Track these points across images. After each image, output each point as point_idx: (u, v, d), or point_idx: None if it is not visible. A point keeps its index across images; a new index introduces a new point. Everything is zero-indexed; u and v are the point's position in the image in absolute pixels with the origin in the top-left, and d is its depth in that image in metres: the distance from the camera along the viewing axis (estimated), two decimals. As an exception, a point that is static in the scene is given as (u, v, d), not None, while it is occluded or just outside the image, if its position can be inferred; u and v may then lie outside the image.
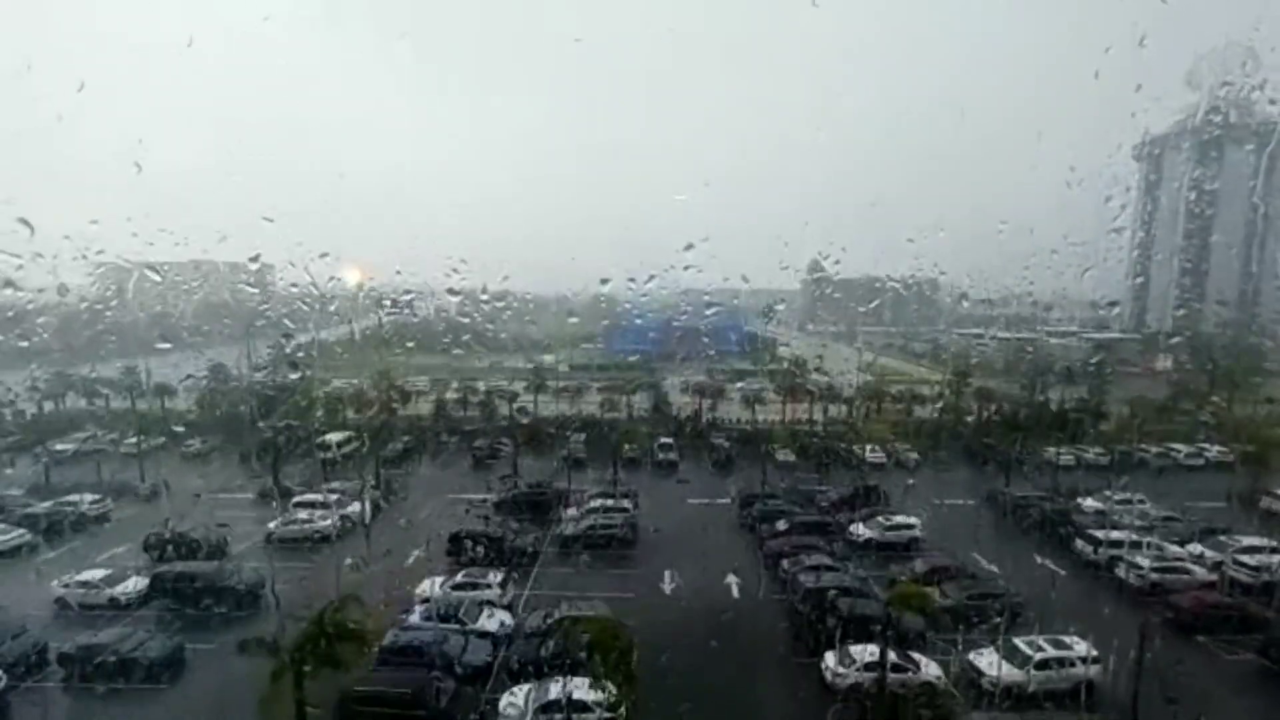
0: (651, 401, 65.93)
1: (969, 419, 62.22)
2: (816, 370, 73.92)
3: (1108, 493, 43.14)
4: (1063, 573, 34.04)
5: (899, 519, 38.05)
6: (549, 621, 26.28)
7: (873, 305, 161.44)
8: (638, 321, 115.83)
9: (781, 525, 37.61)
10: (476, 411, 63.48)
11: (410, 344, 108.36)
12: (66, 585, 30.22)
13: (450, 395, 67.37)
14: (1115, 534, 34.66)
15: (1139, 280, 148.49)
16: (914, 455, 54.77)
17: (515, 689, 22.60)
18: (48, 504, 40.44)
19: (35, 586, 30.98)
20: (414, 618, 27.44)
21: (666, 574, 32.65)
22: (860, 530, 37.54)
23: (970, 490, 47.09)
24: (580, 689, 20.81)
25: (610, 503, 40.50)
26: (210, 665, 25.05)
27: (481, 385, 68.96)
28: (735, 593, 31.28)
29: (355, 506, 40.84)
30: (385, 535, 39.12)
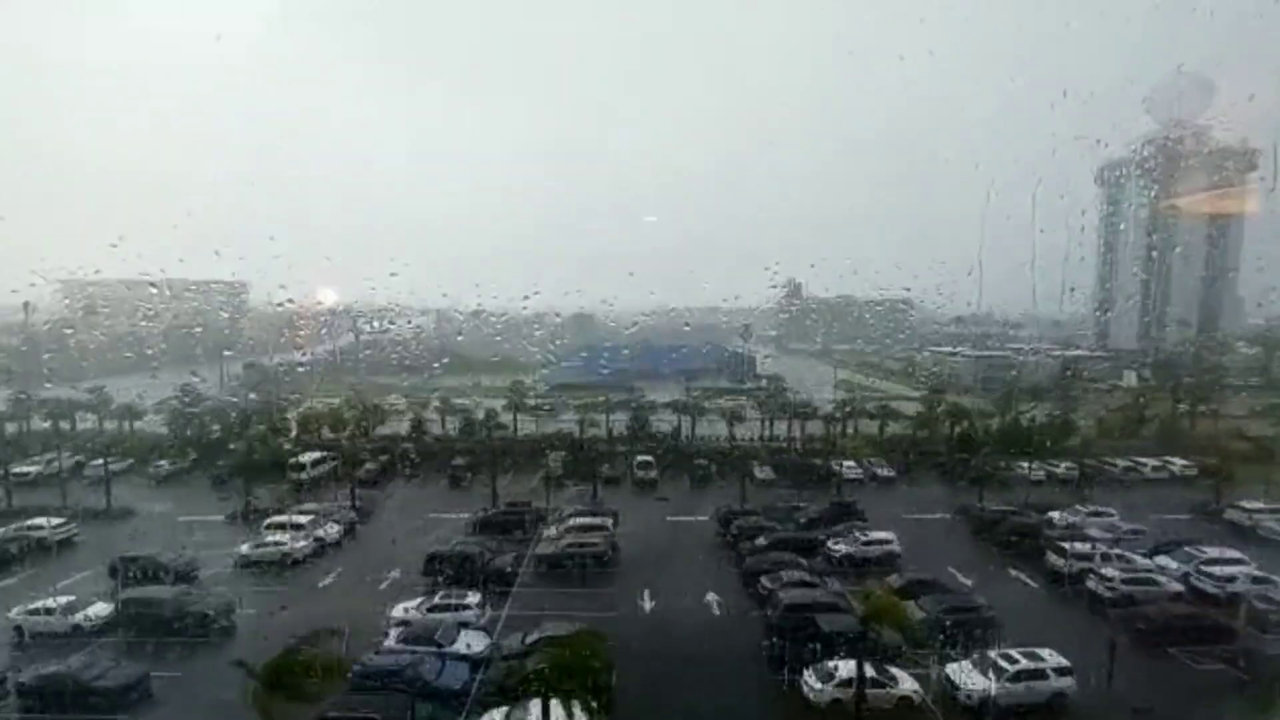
0: (630, 420, 65.93)
1: (942, 435, 63.27)
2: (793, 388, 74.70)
3: (1077, 506, 44.07)
4: (1034, 585, 34.67)
5: (875, 534, 38.46)
6: (527, 642, 26.06)
7: (848, 324, 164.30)
8: (615, 340, 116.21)
9: (760, 542, 37.81)
10: (454, 430, 62.89)
11: (388, 362, 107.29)
12: (26, 613, 29.18)
13: (427, 414, 66.69)
14: (1084, 547, 35.41)
15: (1104, 299, 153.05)
16: (889, 471, 55.49)
17: (493, 712, 22.31)
18: (7, 529, 39.08)
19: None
20: (389, 641, 26.99)
21: (646, 592, 32.58)
22: (838, 546, 37.85)
23: (945, 505, 47.79)
24: (558, 710, 20.60)
25: (589, 521, 40.34)
26: (176, 693, 24.35)
27: (459, 404, 68.39)
28: (715, 610, 31.30)
29: (329, 527, 40.17)
30: (359, 556, 38.52)
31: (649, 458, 55.96)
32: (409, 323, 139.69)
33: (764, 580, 32.26)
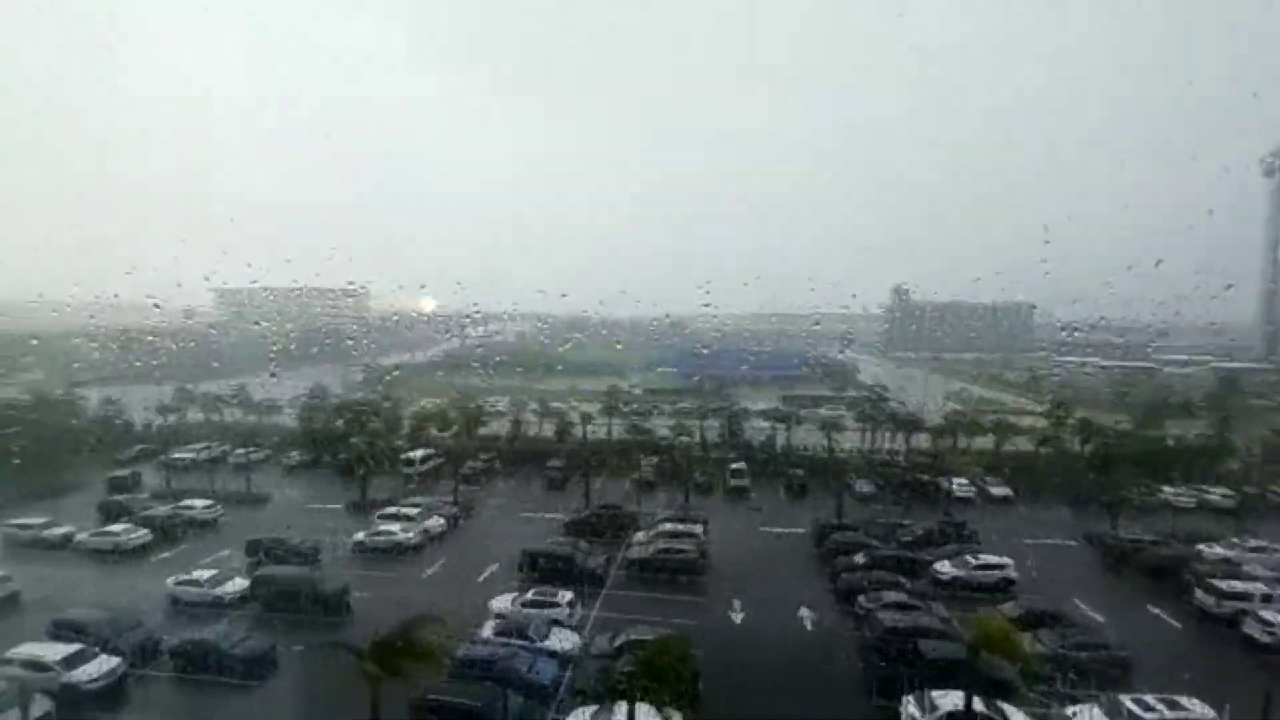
0: (724, 426, 65.12)
1: (1070, 452, 57.67)
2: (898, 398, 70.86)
3: (1234, 539, 38.71)
4: (1178, 625, 30.72)
5: (989, 558, 35.57)
6: (616, 644, 26.24)
7: (962, 331, 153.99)
8: (710, 346, 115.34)
9: (859, 559, 36.03)
10: (551, 432, 64.81)
11: (492, 365, 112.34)
12: (178, 583, 32.93)
13: (526, 416, 69.16)
14: (1241, 585, 31.01)
15: (1274, 304, 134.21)
16: (1006, 490, 51.26)
17: (581, 710, 22.58)
18: (167, 508, 44.39)
19: (152, 583, 33.95)
20: (485, 632, 28.05)
21: (736, 602, 31.89)
22: (945, 568, 35.35)
23: (1071, 530, 43.50)
24: (645, 714, 20.53)
25: (680, 527, 40.13)
26: (297, 665, 26.48)
27: (555, 407, 70.43)
28: (808, 626, 30.13)
29: (434, 520, 42.46)
30: (460, 549, 40.40)
31: (742, 465, 54.99)
32: (513, 327, 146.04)
33: (861, 599, 30.71)
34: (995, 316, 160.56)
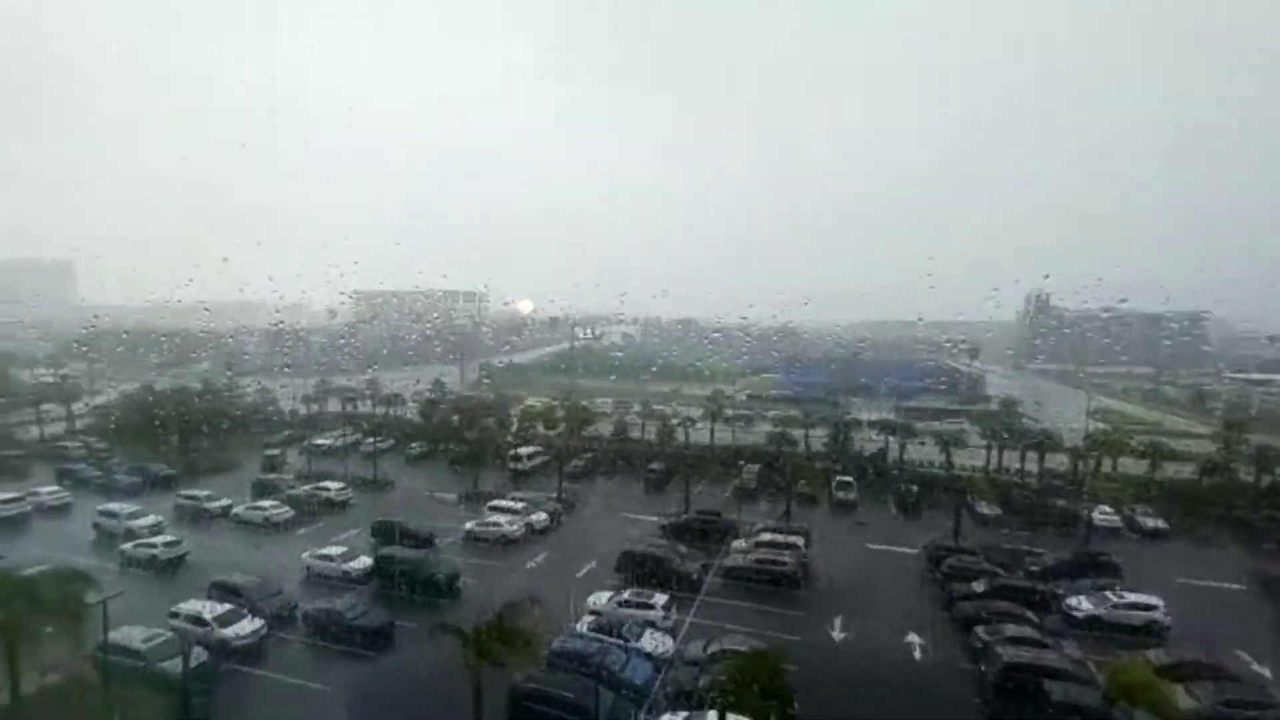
0: (831, 436, 62.49)
1: (1243, 483, 49.97)
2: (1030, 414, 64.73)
3: None
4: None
5: (1134, 596, 31.53)
6: (709, 651, 25.86)
7: (1113, 342, 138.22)
8: (821, 352, 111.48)
9: (978, 586, 33.22)
10: (653, 435, 65.23)
11: (599, 367, 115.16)
12: (313, 557, 36.31)
13: (630, 418, 70.08)
14: None
15: None
16: (1159, 523, 45.30)
17: (671, 714, 22.43)
18: (307, 488, 49.18)
19: (291, 555, 37.71)
20: (581, 627, 28.60)
21: (837, 620, 30.44)
22: (1081, 604, 31.75)
23: (1239, 573, 37.66)
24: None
25: (780, 538, 38.94)
26: (411, 641, 28.32)
27: (659, 409, 70.85)
28: (916, 653, 28.14)
29: (539, 515, 43.98)
30: (562, 544, 41.54)
31: (849, 478, 52.51)
32: (620, 329, 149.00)
33: (979, 630, 28.25)
34: (1154, 326, 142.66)
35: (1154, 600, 31.10)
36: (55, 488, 48.42)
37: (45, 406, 65.39)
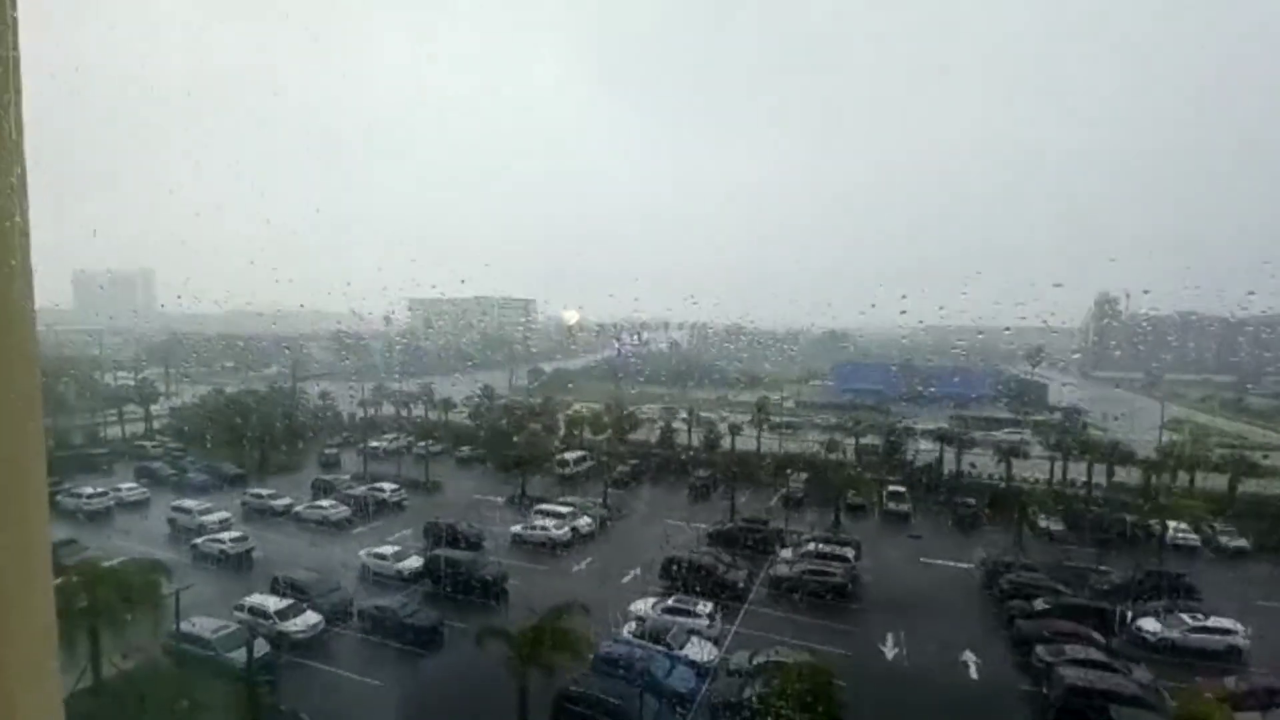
0: (883, 445, 60.84)
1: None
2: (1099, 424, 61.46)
3: None
4: None
5: (1211, 620, 29.56)
6: (755, 662, 25.53)
7: (1192, 348, 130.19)
8: (872, 358, 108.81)
9: (1040, 604, 31.76)
10: (699, 442, 64.88)
11: (646, 373, 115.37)
12: (369, 555, 37.55)
13: (676, 424, 69.93)
14: None
15: None
16: (1242, 542, 42.34)
17: (715, 725, 22.25)
18: (363, 488, 50.92)
19: (348, 553, 39.09)
20: (625, 633, 28.67)
21: (889, 636, 29.58)
22: (1152, 626, 29.98)
23: (1335, 600, 34.85)
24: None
25: (829, 549, 38.14)
26: (460, 641, 28.92)
27: (706, 416, 70.43)
28: (972, 672, 27.07)
29: (584, 520, 44.32)
30: (607, 550, 41.74)
31: (902, 489, 51.03)
32: (668, 335, 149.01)
33: (1040, 650, 27.02)
34: (1237, 330, 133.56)
35: (1232, 624, 29.13)
36: (134, 484, 51.57)
37: (127, 408, 69.79)
